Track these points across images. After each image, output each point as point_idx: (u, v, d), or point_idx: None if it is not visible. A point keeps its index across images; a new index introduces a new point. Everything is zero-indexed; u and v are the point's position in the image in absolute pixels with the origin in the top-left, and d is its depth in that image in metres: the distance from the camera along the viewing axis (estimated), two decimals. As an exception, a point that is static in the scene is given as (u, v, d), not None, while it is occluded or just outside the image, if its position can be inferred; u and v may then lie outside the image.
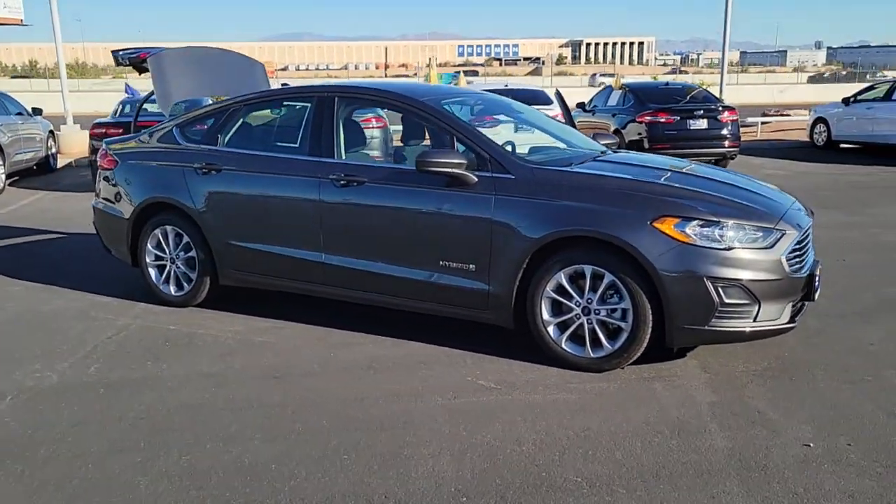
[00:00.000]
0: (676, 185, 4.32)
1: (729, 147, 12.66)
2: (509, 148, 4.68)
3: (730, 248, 3.95)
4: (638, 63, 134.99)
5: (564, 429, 3.56)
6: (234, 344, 4.78)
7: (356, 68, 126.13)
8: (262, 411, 3.80)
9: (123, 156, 5.77)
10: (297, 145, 5.09)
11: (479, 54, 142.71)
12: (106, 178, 5.89)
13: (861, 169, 13.32)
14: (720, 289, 3.92)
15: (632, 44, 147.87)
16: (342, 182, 4.76)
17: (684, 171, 4.74)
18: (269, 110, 5.63)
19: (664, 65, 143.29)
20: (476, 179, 4.38)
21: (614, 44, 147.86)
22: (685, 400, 3.86)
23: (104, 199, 5.92)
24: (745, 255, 3.97)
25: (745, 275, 3.94)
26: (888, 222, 8.48)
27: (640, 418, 3.66)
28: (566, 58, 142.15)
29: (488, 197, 4.34)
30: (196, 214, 5.28)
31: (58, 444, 3.49)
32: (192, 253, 5.40)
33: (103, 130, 11.38)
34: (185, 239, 5.41)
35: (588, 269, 4.14)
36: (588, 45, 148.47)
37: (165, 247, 5.53)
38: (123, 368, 4.41)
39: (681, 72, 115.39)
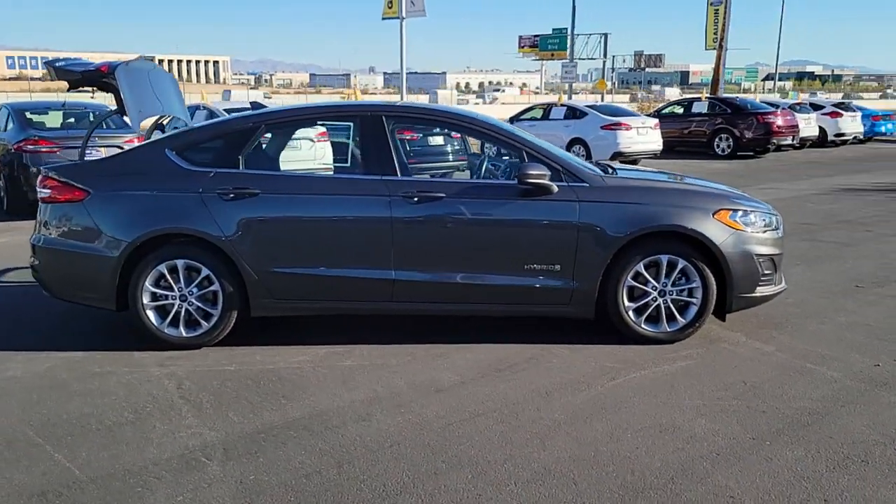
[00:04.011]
0: (712, 186, 5.42)
1: (461, 160, 14.19)
2: None
3: (764, 232, 5.16)
4: (216, 81, 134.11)
5: (739, 383, 4.41)
6: (330, 372, 4.63)
7: None
8: (491, 418, 3.96)
9: (98, 184, 4.99)
10: (347, 164, 5.05)
11: (36, 67, 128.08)
12: (67, 212, 5.02)
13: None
14: (761, 263, 5.11)
15: (207, 62, 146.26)
16: (416, 199, 4.90)
17: (691, 177, 5.85)
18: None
19: (241, 83, 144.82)
20: (557, 189, 4.95)
21: (189, 61, 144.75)
22: (762, 353, 4.96)
23: (65, 236, 5.03)
24: (770, 236, 5.22)
25: (772, 251, 5.19)
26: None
27: (761, 369, 4.65)
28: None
29: (572, 203, 4.94)
30: (225, 244, 4.88)
31: (368, 481, 3.32)
32: (215, 286, 4.95)
33: None
34: (205, 272, 4.94)
35: (664, 258, 5.00)
36: (166, 61, 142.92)
37: (173, 283, 4.96)
38: (269, 412, 4.07)
39: (256, 90, 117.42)
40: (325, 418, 3.97)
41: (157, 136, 6.17)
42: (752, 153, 21.30)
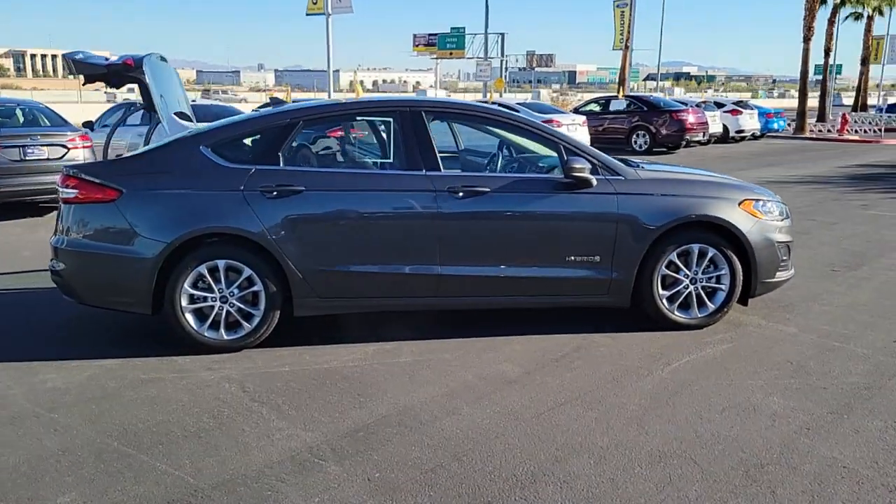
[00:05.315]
0: (730, 178, 5.68)
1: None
2: None
3: (781, 220, 5.47)
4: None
5: (786, 363, 4.67)
6: (391, 369, 4.60)
7: None
8: (577, 405, 4.05)
9: (131, 183, 4.77)
10: (390, 160, 5.03)
11: None
12: (96, 213, 4.77)
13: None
14: (780, 249, 5.42)
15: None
16: (461, 194, 4.94)
17: (704, 170, 6.11)
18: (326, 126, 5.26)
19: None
20: (596, 182, 5.09)
21: (65, 55, 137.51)
22: (788, 334, 5.26)
23: (94, 238, 4.78)
24: (785, 224, 5.54)
25: (787, 238, 5.51)
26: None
27: (797, 349, 4.94)
28: (9, 69, 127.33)
29: (611, 196, 5.10)
30: (269, 242, 4.76)
31: (495, 471, 3.35)
32: (257, 287, 4.82)
33: None
34: (247, 272, 4.81)
35: (696, 247, 5.23)
36: (33, 56, 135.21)
37: (214, 284, 4.80)
38: (354, 411, 4.01)
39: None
40: (414, 413, 3.95)
41: (157, 132, 5.95)
42: (665, 149, 22.23)
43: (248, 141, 4.98)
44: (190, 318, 4.79)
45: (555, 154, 5.35)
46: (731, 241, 5.24)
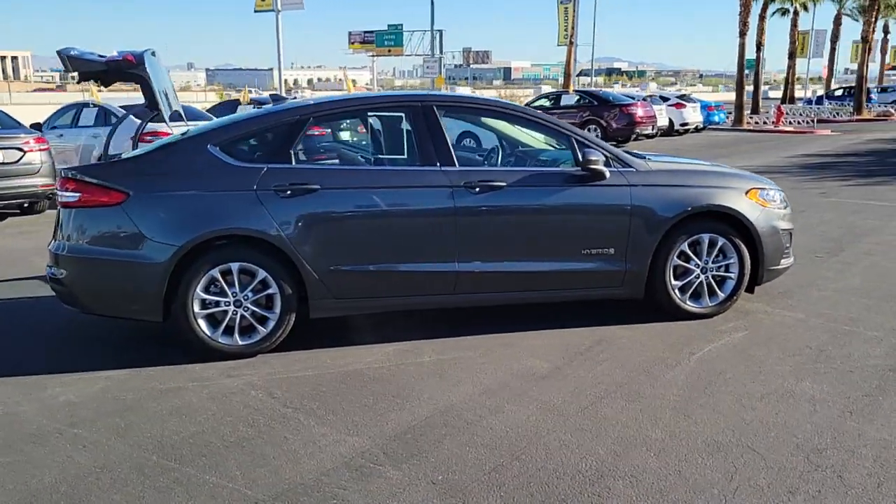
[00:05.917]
0: (732, 168, 5.75)
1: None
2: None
3: (784, 207, 5.57)
4: (15, 79, 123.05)
5: (805, 348, 4.74)
6: (419, 370, 4.51)
7: None
8: (617, 398, 4.03)
9: (138, 185, 4.56)
10: (404, 156, 4.94)
11: None
12: (101, 217, 4.55)
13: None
14: (784, 237, 5.51)
15: (3, 58, 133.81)
16: (477, 189, 4.87)
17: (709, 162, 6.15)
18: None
19: (45, 81, 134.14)
20: (609, 174, 5.09)
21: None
22: (797, 320, 5.35)
23: (99, 244, 4.56)
24: (787, 212, 5.63)
25: (789, 225, 5.61)
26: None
27: (811, 335, 5.02)
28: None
29: (624, 188, 5.10)
30: (284, 243, 4.61)
31: (559, 469, 3.30)
32: (272, 289, 4.67)
33: None
34: (261, 274, 4.65)
35: (706, 237, 5.27)
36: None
37: (227, 288, 4.63)
38: (394, 413, 3.91)
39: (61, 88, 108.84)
40: (458, 413, 3.87)
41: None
42: (615, 143, 22.52)
43: (258, 139, 4.81)
44: (202, 324, 4.61)
45: (554, 147, 5.35)
46: (739, 230, 5.30)
